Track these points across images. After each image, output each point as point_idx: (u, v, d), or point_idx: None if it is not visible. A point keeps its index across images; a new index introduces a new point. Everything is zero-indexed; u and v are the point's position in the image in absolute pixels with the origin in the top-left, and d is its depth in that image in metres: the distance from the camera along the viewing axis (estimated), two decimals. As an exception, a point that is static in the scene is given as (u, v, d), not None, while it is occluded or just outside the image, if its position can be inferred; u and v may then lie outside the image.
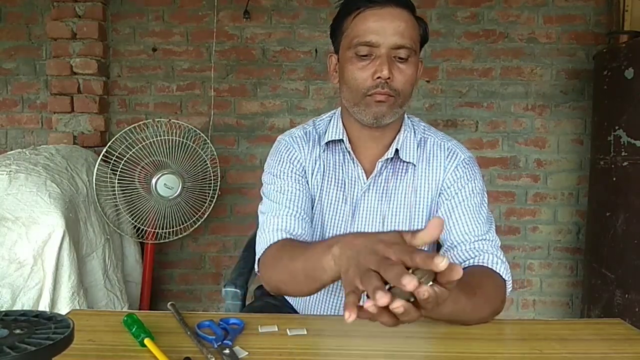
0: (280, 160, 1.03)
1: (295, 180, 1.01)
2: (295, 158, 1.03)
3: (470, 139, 2.42)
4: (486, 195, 1.03)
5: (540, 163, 2.43)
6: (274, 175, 1.02)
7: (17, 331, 0.49)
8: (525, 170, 2.43)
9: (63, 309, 1.63)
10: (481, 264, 0.91)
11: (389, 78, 0.90)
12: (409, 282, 0.49)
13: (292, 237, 0.93)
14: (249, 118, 2.45)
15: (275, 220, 0.95)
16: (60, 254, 1.64)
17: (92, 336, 0.75)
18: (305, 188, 1.01)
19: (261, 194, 1.05)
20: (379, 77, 0.91)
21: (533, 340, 0.78)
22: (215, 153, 2.23)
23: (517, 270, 2.47)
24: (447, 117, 2.42)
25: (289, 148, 1.04)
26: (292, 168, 1.02)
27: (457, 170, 1.01)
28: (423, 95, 2.42)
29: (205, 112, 2.44)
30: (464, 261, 0.92)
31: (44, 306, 1.61)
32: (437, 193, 1.02)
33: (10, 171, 1.72)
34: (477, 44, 2.39)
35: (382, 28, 0.90)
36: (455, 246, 0.95)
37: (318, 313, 1.08)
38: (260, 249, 0.95)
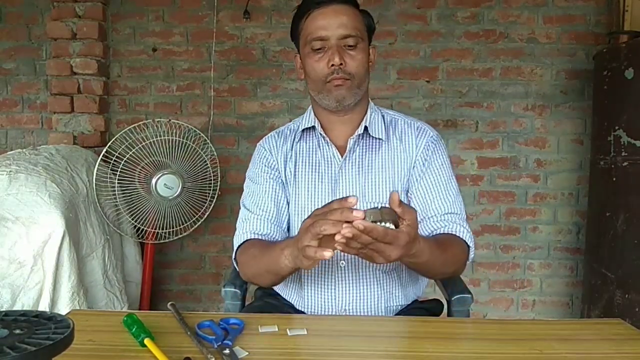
0: (253, 165, 1.19)
1: (266, 181, 1.14)
2: (267, 159, 1.16)
3: (470, 139, 2.42)
4: (452, 167, 1.16)
5: (540, 163, 2.43)
6: (250, 180, 1.19)
7: (17, 331, 0.49)
8: (525, 170, 2.43)
9: (63, 309, 1.63)
10: (449, 232, 1.05)
11: (341, 64, 1.04)
12: (358, 213, 0.72)
13: (259, 237, 1.09)
14: (249, 118, 2.45)
15: (244, 224, 1.11)
16: (60, 254, 1.64)
17: (92, 336, 0.75)
18: (276, 188, 1.14)
19: (240, 203, 1.19)
20: (332, 65, 1.05)
21: (533, 340, 0.78)
22: (215, 153, 2.23)
23: (517, 270, 2.47)
24: (447, 117, 2.42)
25: (261, 151, 1.18)
26: (266, 170, 1.15)
27: (428, 147, 1.12)
28: (423, 96, 2.42)
29: (205, 112, 2.44)
30: (435, 230, 1.07)
31: (44, 306, 1.61)
32: (411, 167, 1.12)
33: (10, 171, 1.72)
34: (477, 44, 2.39)
35: (329, 23, 1.05)
36: (429, 218, 1.08)
37: (312, 297, 1.10)
38: (234, 248, 1.11)
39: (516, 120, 2.42)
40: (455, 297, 1.13)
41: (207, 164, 2.18)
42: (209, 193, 2.20)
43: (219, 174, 2.21)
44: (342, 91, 1.07)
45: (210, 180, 2.19)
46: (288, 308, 1.16)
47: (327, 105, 1.10)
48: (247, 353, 0.71)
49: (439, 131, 1.20)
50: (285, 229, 1.14)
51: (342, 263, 1.07)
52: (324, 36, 1.05)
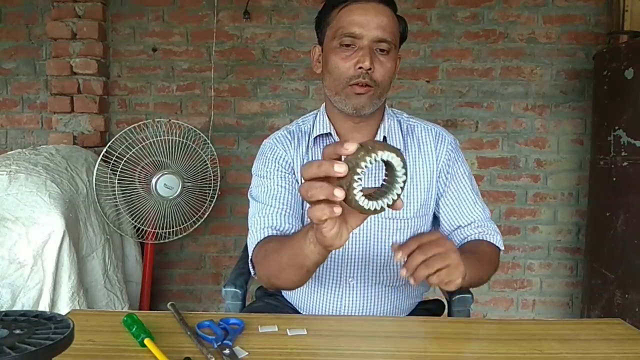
0: (265, 162, 1.07)
1: (281, 177, 1.04)
2: (281, 157, 1.06)
3: (470, 139, 2.42)
4: (469, 168, 1.13)
5: (540, 163, 2.43)
6: (260, 177, 1.06)
7: (17, 331, 0.49)
8: (525, 170, 2.43)
9: (63, 309, 1.64)
10: (479, 238, 1.06)
11: (370, 69, 0.95)
12: (340, 166, 0.58)
13: (279, 232, 0.97)
14: (249, 118, 2.45)
15: (261, 220, 0.99)
16: (60, 254, 1.64)
17: (92, 336, 0.75)
18: (292, 185, 1.04)
19: (249, 197, 1.08)
20: (360, 67, 0.95)
21: (533, 340, 0.78)
22: (215, 153, 2.23)
23: (517, 270, 2.47)
24: (447, 117, 2.42)
25: (274, 148, 1.07)
26: (278, 167, 1.05)
27: (449, 156, 1.08)
28: (423, 96, 2.42)
29: (205, 112, 2.44)
30: (467, 237, 1.07)
31: (44, 306, 1.61)
32: (434, 178, 1.07)
33: (10, 171, 1.72)
34: (477, 44, 2.39)
35: (366, 21, 0.95)
36: (462, 227, 1.07)
37: (318, 312, 1.08)
38: (250, 249, 0.99)
39: (516, 120, 2.42)
40: (456, 297, 1.13)
41: (207, 164, 2.18)
42: (209, 193, 2.20)
43: (219, 174, 2.21)
44: (362, 99, 0.98)
45: (210, 180, 2.19)
46: (289, 309, 1.15)
47: (341, 109, 1.01)
48: (247, 353, 0.71)
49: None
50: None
51: (352, 281, 1.05)
52: (358, 34, 0.95)
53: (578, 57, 2.38)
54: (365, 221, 1.01)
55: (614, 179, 1.94)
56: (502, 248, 1.07)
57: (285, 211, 0.99)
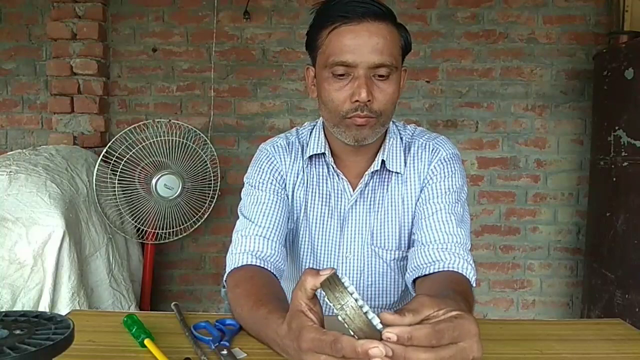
0: (260, 171, 1.01)
1: (273, 192, 0.98)
2: (276, 169, 1.01)
3: (470, 139, 2.42)
4: (464, 192, 0.99)
5: (540, 163, 2.43)
6: (251, 187, 1.01)
7: (17, 332, 0.49)
8: (525, 170, 2.43)
9: (63, 309, 1.64)
10: (451, 268, 0.87)
11: (369, 101, 0.85)
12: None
13: (260, 260, 0.91)
14: (249, 118, 2.45)
15: (245, 241, 0.93)
16: (60, 255, 1.64)
17: (92, 337, 0.75)
18: (283, 201, 0.99)
19: (238, 212, 1.02)
20: (357, 100, 0.85)
21: (533, 340, 0.78)
22: (215, 153, 2.23)
23: (517, 270, 2.47)
24: (447, 117, 2.42)
25: (270, 158, 1.02)
26: (272, 180, 1.00)
27: (435, 167, 0.97)
28: (423, 96, 2.42)
29: (205, 113, 2.44)
30: (434, 262, 0.89)
31: (44, 307, 1.61)
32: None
33: (10, 172, 1.72)
34: (477, 45, 2.39)
35: (359, 46, 0.85)
36: (427, 244, 0.91)
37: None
38: (227, 268, 0.93)
39: (516, 121, 2.42)
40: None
41: (207, 165, 2.18)
42: (209, 193, 2.20)
43: (219, 175, 2.21)
44: (364, 131, 0.89)
45: (210, 180, 2.19)
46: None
47: (342, 140, 0.93)
48: (245, 354, 0.71)
49: (439, 131, 1.15)
50: (286, 251, 1.00)
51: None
52: (351, 62, 0.85)
53: (578, 57, 2.38)
54: (359, 243, 0.99)
55: (614, 179, 1.94)
56: (473, 284, 0.88)
57: (271, 232, 0.94)
